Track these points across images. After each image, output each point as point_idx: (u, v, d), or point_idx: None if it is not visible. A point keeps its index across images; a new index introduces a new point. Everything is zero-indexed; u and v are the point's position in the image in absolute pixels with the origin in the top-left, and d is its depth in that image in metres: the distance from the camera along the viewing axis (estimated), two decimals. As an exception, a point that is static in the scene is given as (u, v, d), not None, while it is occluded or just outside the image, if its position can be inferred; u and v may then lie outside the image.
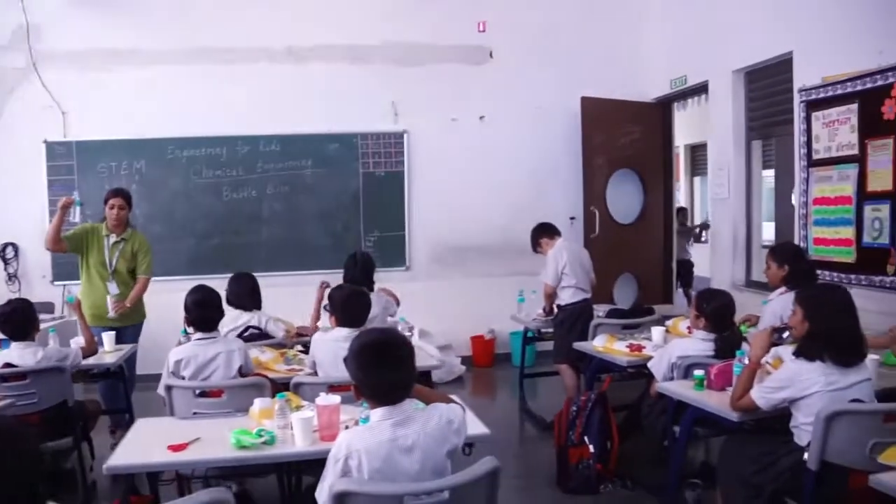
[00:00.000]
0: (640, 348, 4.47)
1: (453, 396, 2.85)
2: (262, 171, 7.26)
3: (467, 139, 7.56)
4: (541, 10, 7.62)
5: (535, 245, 5.89)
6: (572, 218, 7.54)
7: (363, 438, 2.26)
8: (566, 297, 5.64)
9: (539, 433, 5.55)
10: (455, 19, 7.24)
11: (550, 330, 5.86)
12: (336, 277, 4.99)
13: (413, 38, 7.40)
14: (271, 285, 6.37)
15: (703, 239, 10.34)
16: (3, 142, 7.02)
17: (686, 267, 10.14)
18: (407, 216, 7.51)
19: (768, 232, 7.92)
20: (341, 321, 3.81)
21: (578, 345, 4.99)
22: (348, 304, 3.86)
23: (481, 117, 7.60)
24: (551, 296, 5.71)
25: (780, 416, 3.10)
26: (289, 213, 7.31)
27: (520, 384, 6.41)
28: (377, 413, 2.32)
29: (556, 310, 5.74)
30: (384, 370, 2.33)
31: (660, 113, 7.90)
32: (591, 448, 4.30)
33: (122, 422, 5.02)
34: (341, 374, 3.49)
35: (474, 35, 7.26)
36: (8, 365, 3.99)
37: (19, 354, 4.02)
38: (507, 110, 7.59)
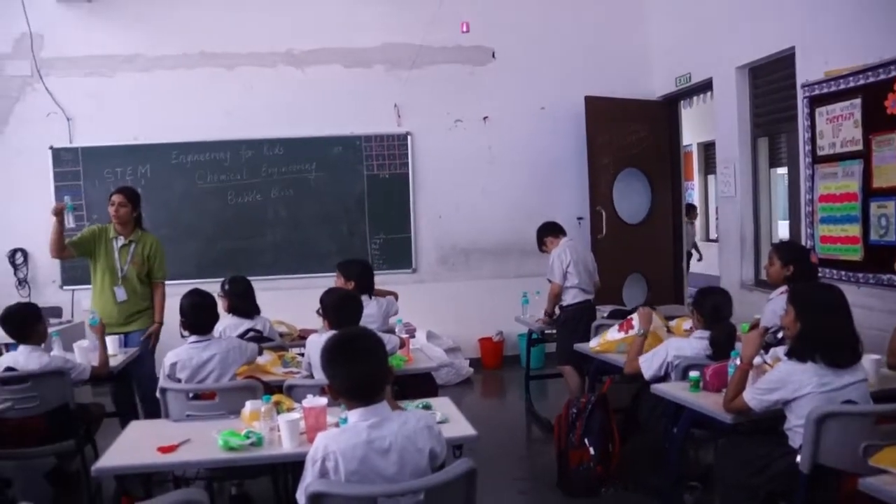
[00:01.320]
0: (629, 324, 4.46)
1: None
2: (267, 174, 7.27)
3: (471, 140, 7.56)
4: (543, 9, 7.60)
5: (541, 244, 5.89)
6: (580, 218, 7.51)
7: (339, 440, 2.26)
8: (568, 297, 5.62)
9: (544, 435, 5.53)
10: (446, 21, 7.22)
11: (555, 331, 5.84)
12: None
13: (414, 39, 7.39)
14: (276, 288, 6.44)
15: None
16: (11, 149, 7.10)
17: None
18: (412, 218, 7.50)
19: (784, 230, 7.82)
20: (333, 324, 3.81)
21: (578, 346, 4.97)
22: (338, 307, 3.87)
23: (485, 118, 7.58)
24: (557, 296, 5.67)
25: (777, 417, 3.06)
26: (293, 216, 7.32)
27: (526, 386, 6.38)
28: (353, 414, 2.32)
29: (558, 311, 5.71)
30: (353, 364, 2.33)
31: (665, 111, 7.83)
32: (592, 450, 4.26)
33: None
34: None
35: (476, 36, 7.27)
36: (10, 369, 4.07)
37: (25, 358, 4.10)
38: (511, 111, 7.58)
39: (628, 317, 4.58)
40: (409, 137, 7.45)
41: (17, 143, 7.10)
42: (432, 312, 7.13)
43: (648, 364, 3.98)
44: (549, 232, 5.83)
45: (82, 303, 7.03)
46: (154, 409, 5.10)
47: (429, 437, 2.37)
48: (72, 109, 7.16)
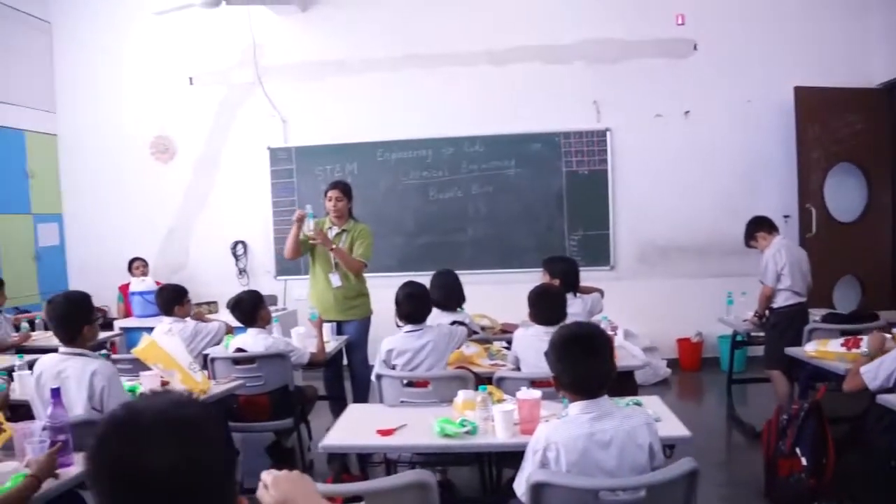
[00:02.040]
0: (857, 342, 4.17)
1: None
2: (467, 171, 7.47)
3: (672, 135, 7.37)
4: (748, -4, 7.29)
5: (750, 238, 5.60)
6: (786, 216, 7.11)
7: (561, 431, 2.31)
8: (780, 300, 5.35)
9: (747, 442, 5.30)
10: (656, 13, 7.14)
11: (761, 334, 5.59)
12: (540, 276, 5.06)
13: (613, 34, 7.33)
14: (476, 283, 6.55)
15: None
16: (235, 149, 7.84)
17: None
18: (611, 215, 7.41)
19: None
20: (535, 317, 3.91)
21: (790, 350, 4.73)
22: (537, 301, 3.94)
23: (686, 112, 7.36)
24: (768, 298, 5.42)
25: None
26: (493, 212, 7.46)
27: (728, 390, 6.16)
28: (575, 407, 2.36)
29: (767, 313, 5.47)
30: (582, 360, 2.37)
31: (886, 99, 7.20)
32: (804, 461, 4.05)
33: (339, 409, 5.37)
34: (543, 369, 3.57)
35: (676, 28, 7.13)
36: (240, 350, 4.47)
37: (253, 340, 4.52)
38: (714, 104, 7.30)
39: (857, 336, 4.29)
40: (608, 133, 7.37)
41: (240, 145, 7.83)
42: (629, 310, 6.99)
43: (874, 374, 3.72)
44: (762, 227, 5.54)
45: (293, 292, 7.57)
46: (363, 394, 5.45)
47: (648, 433, 2.37)
48: (286, 112, 7.73)
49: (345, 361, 5.60)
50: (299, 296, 7.40)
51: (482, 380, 3.78)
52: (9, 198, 7.31)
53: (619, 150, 7.40)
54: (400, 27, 7.55)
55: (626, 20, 7.27)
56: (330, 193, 5.43)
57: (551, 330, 3.63)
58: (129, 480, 1.14)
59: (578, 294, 4.95)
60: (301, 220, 5.22)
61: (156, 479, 1.13)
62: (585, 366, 2.37)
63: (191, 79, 7.85)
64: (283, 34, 7.70)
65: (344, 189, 5.47)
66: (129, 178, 7.95)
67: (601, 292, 5.19)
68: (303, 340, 4.93)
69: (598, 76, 7.38)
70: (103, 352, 3.85)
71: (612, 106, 7.37)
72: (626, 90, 7.35)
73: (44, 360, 3.44)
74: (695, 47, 7.34)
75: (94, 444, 1.18)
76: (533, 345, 3.81)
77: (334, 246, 5.28)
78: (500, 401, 3.25)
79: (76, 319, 3.39)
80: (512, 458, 3.34)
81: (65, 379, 3.28)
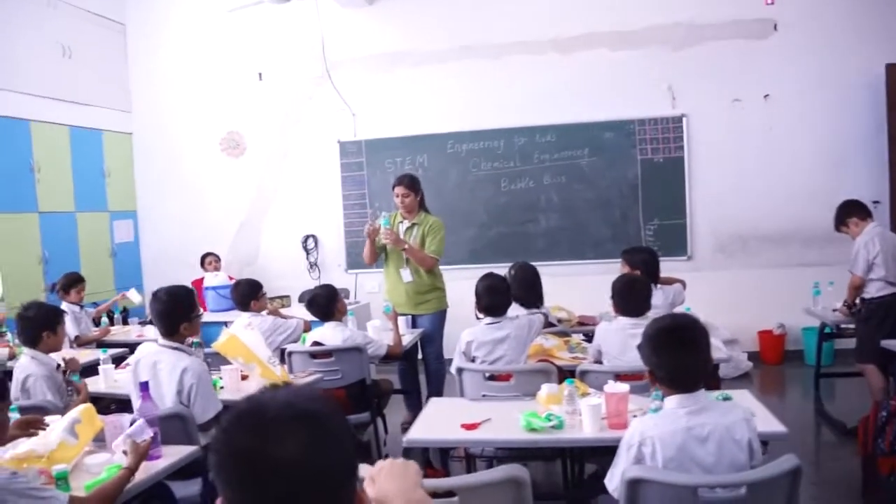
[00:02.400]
0: None
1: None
2: (539, 161, 7.35)
3: (751, 120, 7.09)
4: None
5: (841, 224, 5.31)
6: (876, 202, 6.74)
7: (657, 425, 2.24)
8: (872, 290, 5.07)
9: (838, 439, 5.09)
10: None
11: (852, 326, 5.34)
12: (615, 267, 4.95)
13: (685, 17, 7.10)
14: (550, 274, 6.47)
15: None
16: (304, 144, 7.91)
17: None
18: (688, 203, 7.19)
19: None
20: (620, 309, 3.80)
21: (888, 343, 4.50)
22: (625, 292, 3.83)
23: (766, 96, 7.07)
24: (858, 288, 5.15)
25: None
26: (566, 202, 7.33)
27: (815, 384, 5.90)
28: (672, 401, 2.28)
29: (857, 303, 5.23)
30: (679, 353, 2.29)
31: None
32: (906, 460, 3.85)
33: (413, 402, 5.35)
34: (626, 362, 3.47)
35: (754, 8, 6.88)
36: (317, 344, 4.47)
37: (331, 333, 4.54)
38: (796, 87, 6.99)
39: None
40: (683, 119, 7.15)
41: (309, 139, 7.90)
42: (707, 302, 6.72)
43: None
44: (855, 212, 5.23)
45: (365, 285, 7.59)
46: (437, 387, 5.42)
47: (747, 429, 2.28)
48: (356, 105, 7.73)
49: (419, 355, 5.57)
50: (371, 289, 7.44)
51: (564, 373, 3.70)
52: (88, 196, 7.49)
53: (695, 137, 7.16)
54: (467, 17, 7.48)
55: (700, 2, 7.04)
56: (396, 190, 5.39)
57: (637, 322, 3.59)
58: (253, 471, 1.14)
59: (659, 285, 4.80)
60: (374, 234, 5.22)
61: (281, 470, 1.13)
62: (682, 359, 2.29)
63: (260, 74, 7.93)
64: (350, 27, 7.70)
65: (409, 184, 5.39)
66: (200, 174, 8.09)
67: (683, 283, 5.04)
68: (379, 333, 4.94)
69: (672, 61, 7.15)
70: (195, 340, 3.89)
71: (688, 91, 7.15)
72: (702, 74, 7.11)
73: (143, 349, 3.57)
74: (774, 27, 7.06)
75: (218, 435, 1.19)
76: (617, 338, 3.72)
77: (406, 246, 5.26)
78: (584, 394, 3.16)
79: (175, 316, 3.48)
80: (594, 452, 3.27)
81: (158, 371, 3.39)
